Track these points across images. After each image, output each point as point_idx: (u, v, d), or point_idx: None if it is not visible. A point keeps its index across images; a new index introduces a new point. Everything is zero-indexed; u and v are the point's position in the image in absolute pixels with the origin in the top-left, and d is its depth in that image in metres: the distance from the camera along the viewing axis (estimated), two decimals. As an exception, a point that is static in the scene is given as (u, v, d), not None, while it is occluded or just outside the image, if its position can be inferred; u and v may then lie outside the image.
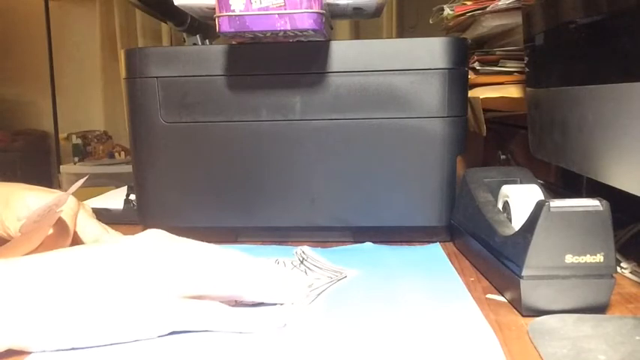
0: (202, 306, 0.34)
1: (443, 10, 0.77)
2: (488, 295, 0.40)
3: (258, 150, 0.53)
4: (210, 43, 0.69)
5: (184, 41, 0.68)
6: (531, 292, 0.36)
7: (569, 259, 0.35)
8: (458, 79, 0.52)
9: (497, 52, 0.68)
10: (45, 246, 0.44)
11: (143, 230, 0.59)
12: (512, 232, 0.39)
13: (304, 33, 0.48)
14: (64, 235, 0.45)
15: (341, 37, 2.25)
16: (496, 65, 0.68)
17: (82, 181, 0.45)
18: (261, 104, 0.53)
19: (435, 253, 0.51)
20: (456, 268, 0.46)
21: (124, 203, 0.64)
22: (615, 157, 0.39)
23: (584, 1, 0.43)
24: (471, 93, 0.66)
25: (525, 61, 0.57)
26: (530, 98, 0.56)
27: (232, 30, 0.47)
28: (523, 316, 0.36)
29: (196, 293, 0.34)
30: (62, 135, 2.71)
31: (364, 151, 0.53)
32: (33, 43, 2.72)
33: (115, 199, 0.69)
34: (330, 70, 0.52)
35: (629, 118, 0.37)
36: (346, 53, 0.52)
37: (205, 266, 0.35)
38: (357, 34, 2.41)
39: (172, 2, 0.52)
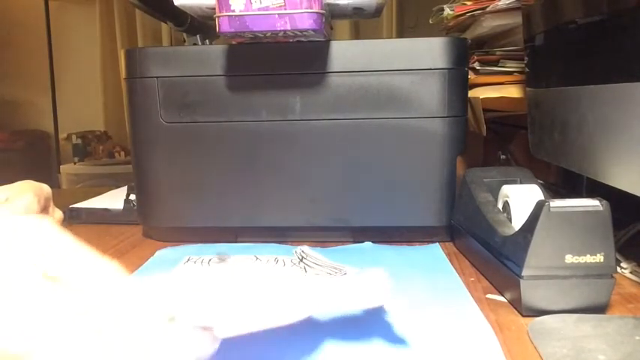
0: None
1: (443, 10, 0.77)
2: (488, 295, 0.40)
3: (259, 150, 0.53)
4: (210, 43, 0.69)
5: (184, 41, 0.68)
6: (531, 292, 0.36)
7: (569, 259, 0.35)
8: (458, 79, 0.52)
9: (497, 52, 0.68)
10: None
11: (143, 230, 0.60)
12: (512, 232, 0.39)
13: (304, 33, 0.48)
14: None
15: (341, 37, 2.25)
16: (496, 65, 0.68)
17: None
18: (261, 104, 0.53)
19: (435, 253, 0.51)
20: (455, 268, 0.46)
21: (124, 203, 0.64)
22: (615, 157, 0.39)
23: (584, 1, 0.43)
24: (471, 93, 0.66)
25: (525, 61, 0.57)
26: (530, 98, 0.56)
27: (232, 30, 0.47)
28: (523, 316, 0.36)
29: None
30: (62, 135, 2.71)
31: (364, 151, 0.53)
32: (33, 43, 2.72)
33: (115, 199, 0.69)
34: (330, 70, 0.52)
35: (629, 118, 0.37)
36: (346, 53, 0.52)
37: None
38: (357, 34, 2.41)
39: (172, 2, 0.52)
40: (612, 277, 0.35)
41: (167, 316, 0.25)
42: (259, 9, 0.46)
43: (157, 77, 0.53)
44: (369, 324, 0.35)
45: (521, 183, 0.48)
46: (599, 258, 0.35)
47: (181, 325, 0.25)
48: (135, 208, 0.61)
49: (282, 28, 0.46)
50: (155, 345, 0.24)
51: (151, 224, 0.58)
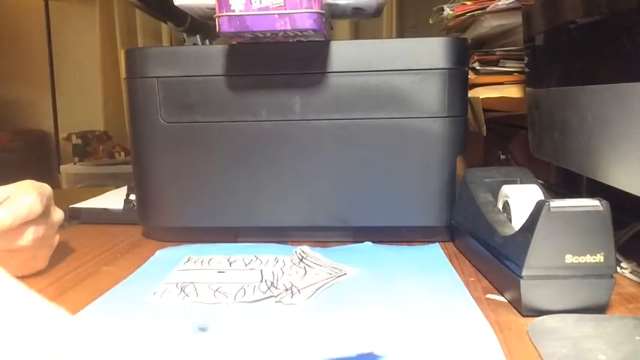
0: None
1: (443, 10, 0.77)
2: (488, 295, 0.40)
3: (258, 150, 0.53)
4: (210, 43, 0.69)
5: (184, 41, 0.68)
6: (531, 292, 0.36)
7: (569, 259, 0.35)
8: (458, 79, 0.52)
9: (497, 52, 0.68)
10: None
11: (143, 230, 0.60)
12: (512, 232, 0.39)
13: (304, 33, 0.48)
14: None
15: (341, 37, 2.25)
16: (496, 65, 0.68)
17: None
18: (261, 104, 0.53)
19: (435, 253, 0.51)
20: (455, 268, 0.46)
21: (124, 203, 0.64)
22: (615, 157, 0.39)
23: (584, 1, 0.43)
24: (471, 93, 0.66)
25: (525, 61, 0.57)
26: (530, 98, 0.56)
27: (232, 30, 0.47)
28: (523, 316, 0.36)
29: None
30: (62, 135, 2.71)
31: (364, 151, 0.53)
32: (33, 43, 2.72)
33: (115, 199, 0.69)
34: (330, 70, 0.52)
35: (629, 118, 0.37)
36: (346, 53, 0.52)
37: None
38: (357, 34, 2.41)
39: (172, 2, 0.52)
40: (612, 277, 0.35)
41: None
42: (259, 9, 0.46)
43: (156, 77, 0.53)
44: None
45: (521, 183, 0.48)
46: (599, 258, 0.35)
47: None
48: (135, 208, 0.61)
49: (282, 28, 0.46)
50: None
51: (151, 224, 0.58)
